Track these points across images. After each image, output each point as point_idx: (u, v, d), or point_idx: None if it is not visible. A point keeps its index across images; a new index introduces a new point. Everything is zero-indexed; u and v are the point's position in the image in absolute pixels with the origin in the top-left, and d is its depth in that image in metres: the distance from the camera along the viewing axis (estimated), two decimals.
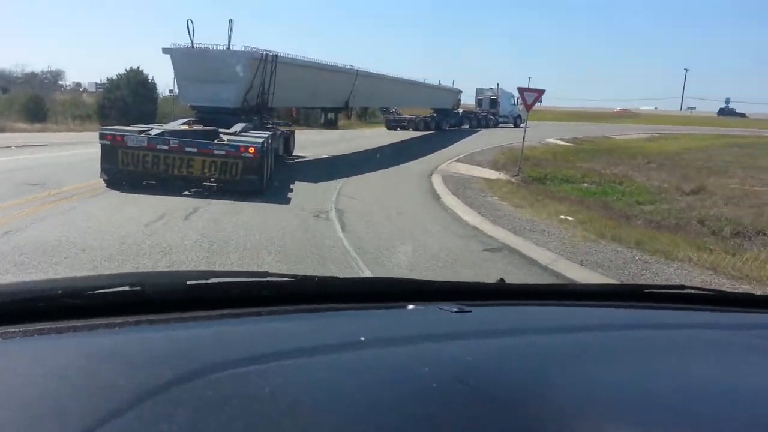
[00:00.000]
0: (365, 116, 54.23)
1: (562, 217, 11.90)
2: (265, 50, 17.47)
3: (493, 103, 49.68)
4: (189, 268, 6.71)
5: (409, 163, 22.50)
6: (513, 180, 18.82)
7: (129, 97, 38.11)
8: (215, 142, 12.95)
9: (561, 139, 36.20)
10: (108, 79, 41.93)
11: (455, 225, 10.84)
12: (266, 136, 14.37)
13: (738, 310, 2.00)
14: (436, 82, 43.39)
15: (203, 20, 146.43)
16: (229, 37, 16.88)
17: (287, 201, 12.48)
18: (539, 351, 1.38)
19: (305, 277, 1.74)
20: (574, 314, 1.83)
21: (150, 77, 41.08)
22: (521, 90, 20.30)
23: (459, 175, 18.86)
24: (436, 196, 14.48)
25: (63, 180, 12.70)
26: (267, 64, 17.19)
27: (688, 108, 79.34)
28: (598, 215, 12.30)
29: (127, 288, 1.45)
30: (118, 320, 1.31)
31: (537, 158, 24.54)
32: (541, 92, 20.48)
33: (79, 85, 58.35)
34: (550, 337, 1.50)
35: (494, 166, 22.15)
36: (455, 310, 1.55)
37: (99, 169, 12.42)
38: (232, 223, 9.48)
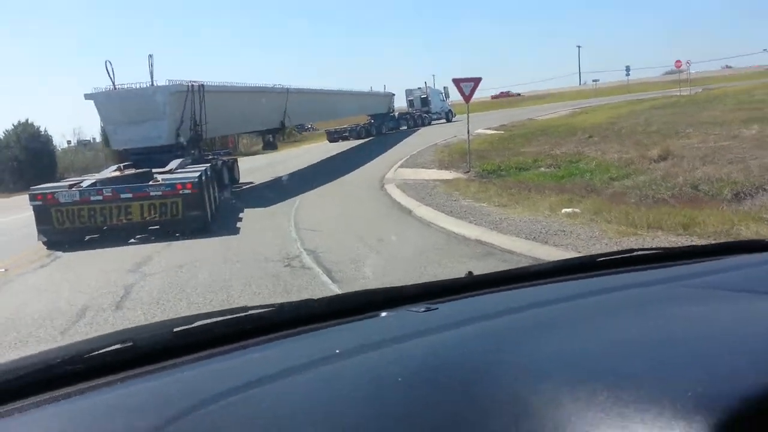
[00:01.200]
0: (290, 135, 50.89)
1: (565, 210, 9.87)
2: (190, 81, 16.28)
3: (424, 101, 47.92)
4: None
5: (360, 173, 20.94)
6: (468, 177, 17.02)
7: (22, 154, 33.26)
8: (150, 183, 11.90)
9: (489, 128, 34.37)
10: None
11: (457, 244, 8.48)
12: (203, 168, 13.22)
13: (683, 263, 2.03)
14: (367, 89, 41.89)
15: (114, 59, 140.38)
16: (151, 73, 15.66)
17: (237, 233, 11.10)
18: (496, 333, 1.40)
19: (282, 305, 1.79)
20: (533, 293, 1.83)
21: (42, 129, 36.17)
22: (457, 81, 18.21)
23: (414, 181, 16.83)
24: (406, 210, 12.12)
25: None
26: (195, 94, 16.09)
27: (593, 81, 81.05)
28: (598, 202, 10.35)
29: (119, 345, 1.45)
30: (117, 377, 1.32)
31: (477, 150, 22.99)
32: (478, 80, 18.52)
33: None
34: (507, 318, 1.50)
35: (441, 165, 20.21)
36: (423, 309, 1.60)
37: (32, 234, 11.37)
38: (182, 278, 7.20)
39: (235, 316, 1.69)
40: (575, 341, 1.28)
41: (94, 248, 10.95)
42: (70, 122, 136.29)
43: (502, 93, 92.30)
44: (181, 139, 15.91)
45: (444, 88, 49.68)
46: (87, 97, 15.61)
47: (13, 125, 35.65)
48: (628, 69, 62.25)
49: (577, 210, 9.57)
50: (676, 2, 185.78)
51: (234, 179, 20.13)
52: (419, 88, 48.65)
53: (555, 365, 1.15)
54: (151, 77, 15.59)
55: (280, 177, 22.61)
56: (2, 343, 5.72)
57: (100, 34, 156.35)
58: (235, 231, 11.58)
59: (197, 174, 12.14)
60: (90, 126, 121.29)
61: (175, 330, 1.54)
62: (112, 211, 11.30)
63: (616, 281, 1.86)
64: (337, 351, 1.33)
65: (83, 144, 45.72)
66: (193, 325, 1.58)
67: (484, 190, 13.48)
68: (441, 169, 19.12)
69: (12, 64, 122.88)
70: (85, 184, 12.07)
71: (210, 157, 18.12)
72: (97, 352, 1.42)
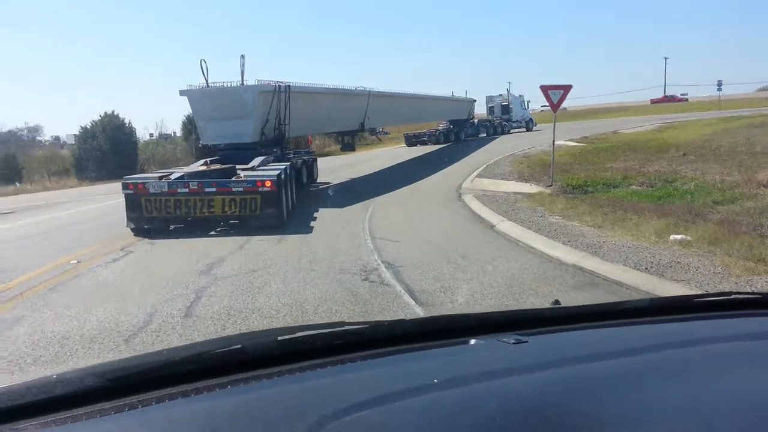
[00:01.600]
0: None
1: (674, 237, 8.75)
2: (277, 82, 16.49)
3: (505, 109, 46.72)
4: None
5: (435, 180, 20.17)
6: (552, 192, 15.96)
7: (106, 145, 33.92)
8: (233, 179, 12.11)
9: (571, 140, 32.80)
10: (82, 128, 37.11)
11: (553, 268, 7.48)
12: (283, 167, 13.40)
13: None
14: (448, 94, 40.67)
15: (194, 60, 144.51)
16: (242, 73, 15.97)
17: (311, 232, 11.02)
18: (593, 377, 1.39)
19: (377, 323, 1.86)
20: (627, 334, 1.78)
21: (127, 121, 36.84)
22: (545, 88, 17.15)
23: (493, 193, 15.89)
24: (488, 224, 11.18)
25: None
26: (281, 95, 16.31)
27: (681, 95, 76.25)
28: (711, 229, 9.20)
29: (232, 348, 1.52)
30: (225, 379, 1.40)
31: (560, 163, 21.80)
32: (568, 88, 17.39)
33: (57, 138, 54.62)
34: (603, 362, 1.47)
35: (521, 176, 19.08)
36: (513, 341, 1.59)
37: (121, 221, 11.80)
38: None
39: (333, 330, 1.77)
40: (672, 393, 1.28)
41: (173, 238, 10.99)
42: (153, 116, 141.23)
43: (665, 97, 78.18)
44: (266, 138, 16.20)
45: (520, 95, 48.35)
46: (182, 93, 16.08)
47: (99, 116, 36.38)
48: (720, 83, 58.37)
49: (688, 237, 8.42)
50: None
51: (313, 178, 20.44)
52: (500, 95, 47.34)
53: (664, 418, 1.16)
54: (242, 76, 15.91)
55: (357, 178, 22.89)
56: (66, 347, 5.27)
57: (185, 33, 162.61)
58: (309, 230, 11.44)
59: (277, 173, 12.27)
60: (172, 120, 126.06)
61: (279, 338, 1.63)
62: (196, 203, 11.61)
63: (714, 327, 1.83)
64: (435, 380, 1.37)
65: (164, 137, 47.05)
66: (295, 335, 1.66)
67: (573, 207, 12.45)
68: (521, 182, 18.05)
69: (101, 58, 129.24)
70: (173, 176, 12.29)
71: (291, 155, 18.33)
72: (212, 353, 1.52)
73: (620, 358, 1.49)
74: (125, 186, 11.76)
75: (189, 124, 38.06)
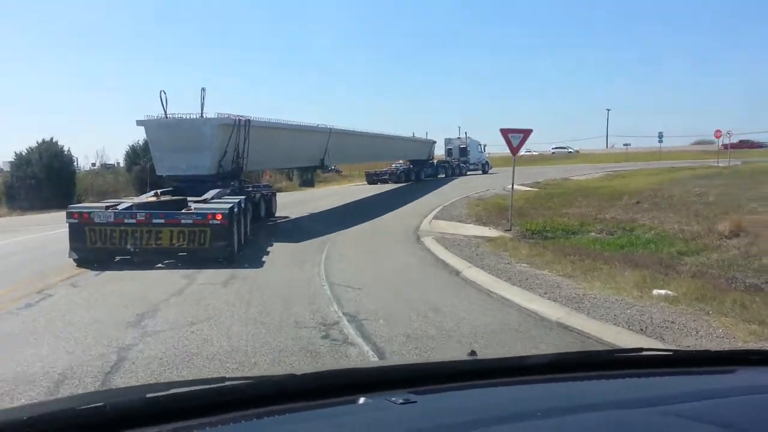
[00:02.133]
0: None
1: (657, 292, 8.07)
2: (237, 115, 16.15)
3: (463, 151, 47.16)
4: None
5: (393, 219, 19.49)
6: (512, 236, 15.35)
7: (41, 173, 31.35)
8: (183, 211, 11.67)
9: (524, 185, 32.55)
10: (16, 155, 34.32)
11: (535, 326, 6.50)
12: (237, 201, 12.91)
13: (691, 371, 1.93)
14: (408, 134, 40.51)
15: (154, 89, 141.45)
16: (202, 105, 15.59)
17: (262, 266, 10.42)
18: None
19: (262, 379, 1.76)
20: (524, 394, 1.71)
21: (66, 148, 34.17)
22: (505, 131, 16.67)
23: (452, 236, 15.12)
24: (453, 270, 10.27)
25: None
26: (240, 128, 15.98)
27: (624, 144, 79.25)
28: (692, 284, 8.46)
29: (88, 406, 1.39)
30: None
31: (516, 207, 21.48)
32: (528, 132, 16.97)
33: None
34: (495, 427, 1.40)
35: (479, 219, 18.45)
36: (401, 401, 1.51)
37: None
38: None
39: (211, 386, 1.65)
40: None
41: (108, 273, 9.83)
42: (95, 144, 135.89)
43: (741, 142, 70.48)
44: (223, 170, 15.80)
45: (477, 140, 48.95)
46: (139, 123, 15.70)
47: (37, 143, 33.83)
48: (661, 135, 60.11)
49: (672, 293, 7.68)
50: (703, 75, 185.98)
51: (271, 212, 19.87)
52: (459, 138, 47.77)
53: None
54: (201, 109, 15.52)
55: (315, 213, 22.40)
56: None
57: (134, 61, 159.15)
58: (261, 269, 10.72)
59: (229, 206, 11.86)
60: (114, 149, 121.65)
61: (147, 396, 1.50)
62: (143, 234, 11.12)
63: (627, 387, 1.76)
64: None
65: (107, 167, 44.66)
66: (167, 393, 1.52)
67: (539, 254, 11.75)
68: (479, 225, 17.43)
69: (44, 84, 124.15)
70: (121, 206, 11.83)
71: (250, 189, 17.91)
72: (64, 413, 1.40)
73: (517, 421, 1.43)
74: (69, 215, 11.24)
75: (133, 155, 36.05)
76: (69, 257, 11.09)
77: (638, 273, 9.29)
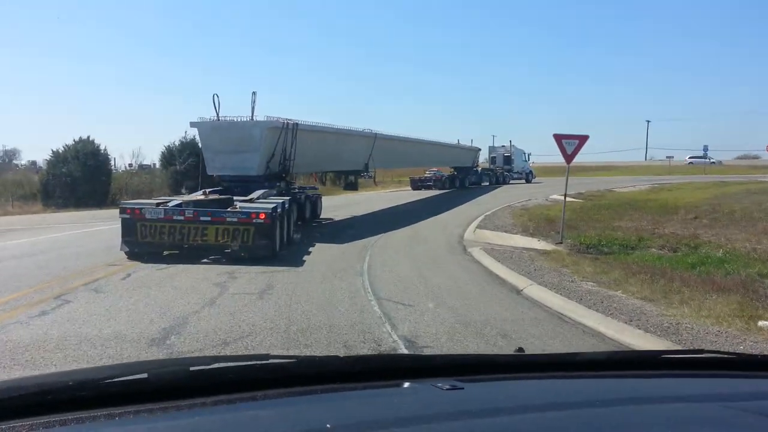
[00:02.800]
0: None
1: (764, 323, 7.00)
2: (286, 119, 16.29)
3: (507, 160, 46.33)
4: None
5: (437, 226, 18.57)
6: (567, 250, 14.12)
7: (77, 171, 31.03)
8: (228, 209, 11.78)
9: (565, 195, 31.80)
10: (53, 152, 33.14)
11: None
12: (281, 201, 13.05)
13: (761, 375, 1.78)
14: (454, 141, 39.81)
15: (200, 93, 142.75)
16: (252, 109, 15.76)
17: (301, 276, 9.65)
18: (529, 430, 1.27)
19: (305, 358, 1.79)
20: (573, 388, 1.64)
21: (102, 147, 33.76)
22: (558, 137, 15.46)
23: (501, 247, 13.91)
24: (511, 287, 8.95)
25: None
26: (288, 132, 16.14)
27: (667, 157, 76.51)
28: None
29: (132, 377, 1.37)
30: (118, 410, 1.24)
31: (547, 216, 20.24)
32: (584, 138, 15.77)
33: (34, 163, 50.45)
34: (542, 414, 1.36)
35: (525, 230, 17.01)
36: (447, 387, 1.48)
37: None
38: None
39: (254, 363, 1.60)
40: None
41: (142, 275, 8.78)
42: (130, 145, 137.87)
43: None
44: (270, 171, 15.97)
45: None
46: (192, 125, 16.23)
47: (74, 141, 33.12)
48: (706, 148, 58.18)
49: None
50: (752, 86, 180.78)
51: (316, 214, 19.99)
52: (503, 146, 47.04)
53: None
54: (252, 112, 15.69)
55: (359, 216, 22.15)
56: None
57: (174, 64, 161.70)
58: (301, 274, 10.09)
59: (272, 206, 11.92)
60: (150, 150, 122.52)
61: (191, 368, 1.47)
62: (190, 230, 11.33)
63: (676, 387, 1.65)
64: (328, 426, 1.22)
65: (143, 167, 44.19)
66: (210, 366, 1.50)
67: (604, 272, 10.49)
68: (527, 236, 16.15)
69: (84, 83, 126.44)
70: (171, 203, 12.05)
71: (296, 190, 18.17)
72: (106, 381, 1.36)
73: (564, 410, 1.38)
74: (122, 210, 11.56)
75: (168, 155, 35.67)
76: (120, 250, 11.32)
77: (727, 298, 7.99)
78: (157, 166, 39.98)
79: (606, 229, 17.96)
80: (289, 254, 12.13)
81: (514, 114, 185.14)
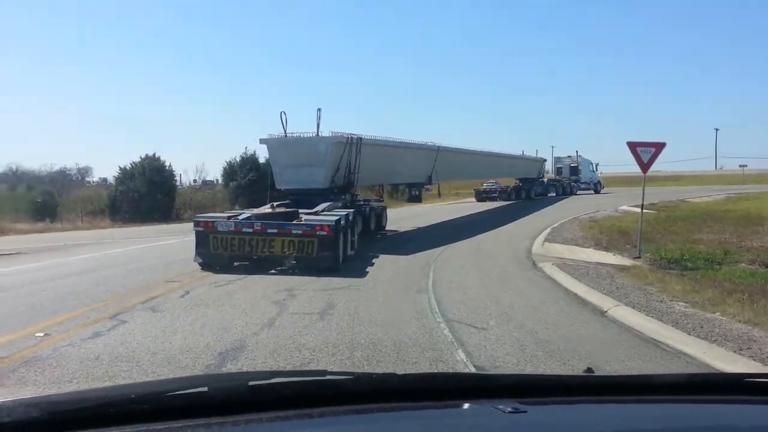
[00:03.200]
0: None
1: None
2: (350, 134, 16.52)
3: (574, 170, 45.13)
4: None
5: (503, 239, 17.96)
6: (648, 266, 13.03)
7: (143, 187, 31.71)
8: (294, 222, 11.97)
9: (636, 206, 30.07)
10: (121, 169, 34.08)
11: None
12: (344, 214, 13.17)
13: None
14: (518, 152, 39.11)
15: (261, 110, 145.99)
16: (318, 125, 16.06)
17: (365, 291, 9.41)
18: None
19: (363, 375, 1.64)
20: (653, 412, 1.50)
21: (167, 164, 34.47)
22: (633, 145, 14.36)
23: (574, 262, 12.77)
24: (593, 308, 8.08)
25: None
26: (352, 146, 16.32)
27: (740, 166, 72.28)
28: None
29: (192, 391, 1.37)
30: (177, 424, 1.24)
31: (636, 230, 19.05)
32: (661, 146, 14.58)
33: (105, 180, 50.71)
34: None
35: (598, 243, 15.70)
36: (510, 410, 1.39)
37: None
38: None
39: (312, 378, 1.60)
40: None
41: (201, 292, 8.56)
42: (194, 161, 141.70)
43: None
44: (335, 185, 16.22)
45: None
46: (262, 141, 16.63)
47: (140, 158, 33.95)
48: None
49: None
50: None
51: (381, 225, 20.10)
52: (569, 157, 45.78)
53: None
54: (317, 128, 16.02)
55: (422, 228, 22.12)
56: None
57: (230, 82, 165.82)
58: (364, 280, 10.46)
59: (336, 218, 12.05)
60: (212, 166, 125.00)
61: (250, 383, 1.45)
62: (258, 242, 11.56)
63: (763, 414, 1.51)
64: None
65: (207, 183, 44.74)
66: (270, 381, 1.48)
67: (695, 291, 9.43)
68: (600, 250, 14.99)
69: (154, 102, 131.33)
70: (241, 217, 12.33)
71: (361, 203, 18.42)
72: (167, 395, 1.35)
73: None
74: (196, 223, 11.95)
75: (230, 171, 36.26)
76: (194, 261, 11.63)
77: None
78: (220, 181, 40.69)
79: (686, 242, 16.60)
80: (353, 266, 12.04)
81: (579, 125, 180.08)
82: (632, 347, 6.23)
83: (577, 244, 16.05)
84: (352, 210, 14.62)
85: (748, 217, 22.70)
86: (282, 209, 13.80)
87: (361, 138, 16.83)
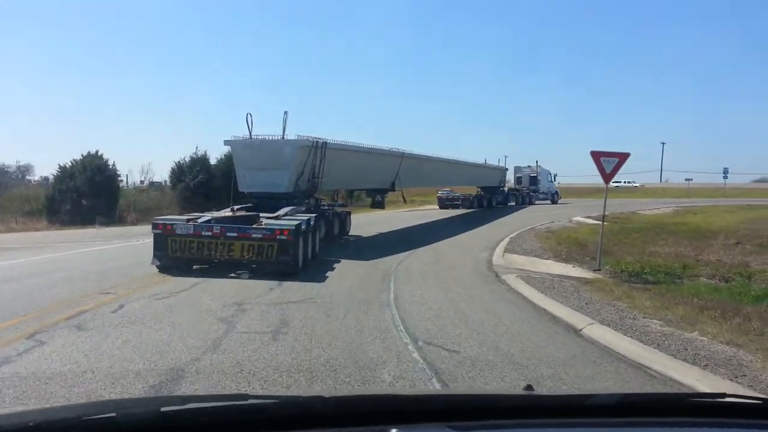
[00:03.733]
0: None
1: None
2: (315, 137, 16.22)
3: (533, 180, 45.60)
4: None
5: (463, 248, 17.71)
6: (608, 278, 12.65)
7: (83, 186, 28.79)
8: (254, 226, 11.82)
9: (589, 217, 28.71)
10: (60, 167, 30.92)
11: None
12: (306, 218, 12.90)
13: None
14: (481, 160, 39.26)
15: (216, 112, 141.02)
16: (284, 128, 15.83)
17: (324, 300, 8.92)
18: None
19: (287, 399, 1.57)
20: None
21: (111, 162, 31.62)
22: (596, 154, 14.03)
23: (537, 274, 12.00)
24: (565, 325, 7.59)
25: None
26: (317, 150, 16.08)
27: (686, 179, 74.52)
28: None
29: (98, 416, 1.29)
30: None
31: (592, 241, 18.79)
32: (624, 156, 14.27)
33: (46, 179, 49.31)
34: None
35: (557, 255, 15.36)
36: None
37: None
38: None
39: (231, 403, 1.45)
40: None
41: (133, 313, 7.70)
42: (140, 161, 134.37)
43: None
44: (299, 189, 15.88)
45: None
46: (226, 142, 16.39)
47: (82, 155, 30.97)
48: (726, 171, 56.52)
49: None
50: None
51: (345, 230, 19.85)
52: (529, 167, 46.03)
53: None
54: (283, 131, 15.74)
55: (386, 233, 22.14)
56: None
57: (181, 82, 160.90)
58: (322, 285, 10.26)
59: (296, 223, 11.84)
60: (160, 168, 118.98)
61: (162, 409, 1.35)
62: (217, 246, 11.39)
63: None
64: None
65: (154, 185, 41.91)
66: (183, 407, 1.38)
67: (665, 307, 8.91)
68: (560, 261, 14.49)
69: (92, 100, 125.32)
70: (200, 220, 12.10)
71: (325, 207, 18.32)
72: (73, 420, 1.26)
73: None
74: (155, 226, 11.70)
75: (178, 171, 34.28)
76: (152, 264, 11.40)
77: None
78: (167, 182, 38.82)
79: (643, 255, 16.50)
80: (313, 271, 11.80)
81: (522, 135, 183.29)
82: (620, 373, 5.65)
83: (537, 256, 15.63)
84: (314, 215, 14.34)
85: (700, 230, 22.98)
86: (242, 213, 13.49)
87: (326, 142, 16.51)
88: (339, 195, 26.08)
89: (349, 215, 20.95)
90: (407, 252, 15.27)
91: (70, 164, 30.77)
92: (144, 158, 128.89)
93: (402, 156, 23.04)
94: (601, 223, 25.71)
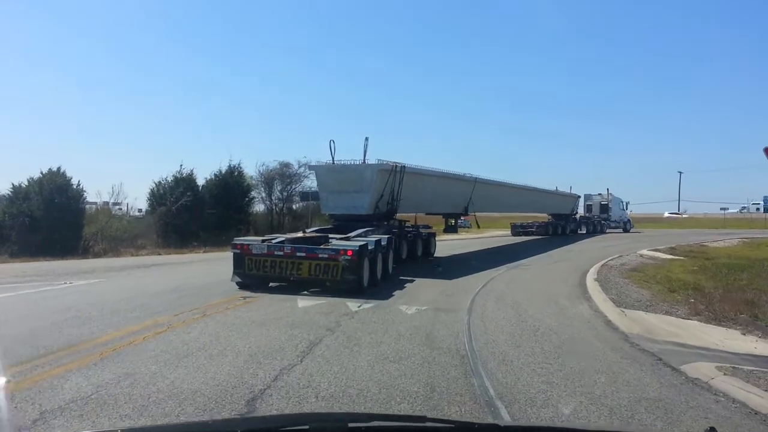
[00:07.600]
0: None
1: None
2: (394, 162, 15.76)
3: (604, 208, 43.00)
4: None
5: (549, 282, 13.93)
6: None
7: (39, 209, 22.13)
8: (321, 246, 11.50)
9: (657, 250, 23.97)
10: (13, 187, 23.39)
11: None
12: (375, 239, 12.45)
13: None
14: (552, 188, 36.84)
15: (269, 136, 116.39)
16: (365, 152, 15.44)
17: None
18: None
19: (465, 424, 1.58)
20: None
21: (75, 182, 24.06)
22: None
23: (714, 352, 6.73)
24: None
25: None
26: (396, 173, 15.68)
27: (721, 209, 68.75)
28: None
29: (293, 428, 1.32)
30: None
31: (687, 282, 12.96)
32: None
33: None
34: None
35: (689, 307, 9.99)
36: None
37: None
38: None
39: (411, 424, 1.48)
40: None
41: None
42: (110, 180, 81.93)
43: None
44: (378, 211, 15.50)
45: (608, 194, 43.48)
46: (310, 168, 16.31)
47: (41, 173, 23.43)
48: (766, 200, 54.92)
49: None
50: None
51: (429, 252, 19.52)
52: (599, 194, 43.25)
53: None
54: (364, 155, 15.29)
55: (466, 253, 20.73)
56: None
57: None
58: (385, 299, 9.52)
59: (360, 244, 11.56)
60: (131, 188, 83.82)
61: (350, 425, 1.37)
62: (287, 265, 11.48)
63: None
64: None
65: (135, 214, 31.38)
66: (367, 424, 1.39)
67: None
68: (711, 323, 8.76)
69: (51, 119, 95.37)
70: (274, 240, 12.01)
71: (408, 229, 18.13)
72: (273, 430, 1.32)
73: None
74: (234, 246, 11.86)
75: (159, 193, 29.01)
76: (231, 281, 11.59)
77: None
78: (144, 207, 29.79)
79: (755, 298, 12.23)
80: (383, 290, 11.37)
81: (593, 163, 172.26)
82: None
83: (666, 312, 9.56)
84: (386, 236, 13.76)
85: None
86: (313, 234, 13.32)
87: (404, 166, 15.91)
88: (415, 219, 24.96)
89: (434, 236, 20.02)
90: (485, 286, 12.56)
91: (26, 183, 23.58)
92: (114, 178, 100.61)
93: (475, 181, 21.99)
94: (672, 257, 21.47)
